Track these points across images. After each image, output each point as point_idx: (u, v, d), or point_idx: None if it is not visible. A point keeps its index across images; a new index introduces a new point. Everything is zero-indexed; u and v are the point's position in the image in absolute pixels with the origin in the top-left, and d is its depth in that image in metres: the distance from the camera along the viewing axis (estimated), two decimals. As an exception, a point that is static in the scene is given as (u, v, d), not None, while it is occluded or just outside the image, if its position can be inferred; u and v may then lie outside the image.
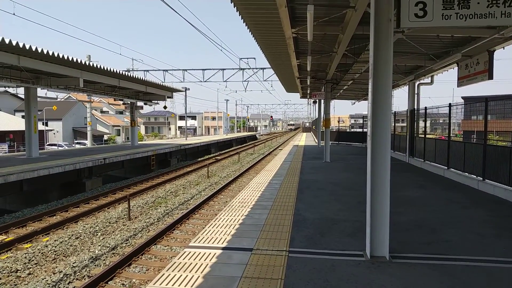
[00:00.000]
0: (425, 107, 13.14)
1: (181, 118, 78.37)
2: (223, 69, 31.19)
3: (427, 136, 13.50)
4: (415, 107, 14.50)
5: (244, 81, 33.42)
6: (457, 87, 10.99)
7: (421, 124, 14.28)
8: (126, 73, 17.88)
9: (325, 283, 3.74)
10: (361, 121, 36.19)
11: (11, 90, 43.48)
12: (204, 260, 4.37)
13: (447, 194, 8.45)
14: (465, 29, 8.14)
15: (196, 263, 4.29)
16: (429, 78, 14.39)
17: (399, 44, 10.01)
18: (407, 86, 15.37)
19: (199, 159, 25.35)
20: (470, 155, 9.46)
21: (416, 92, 14.71)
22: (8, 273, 6.28)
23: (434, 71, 13.20)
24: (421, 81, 14.74)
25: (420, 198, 8.03)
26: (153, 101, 26.50)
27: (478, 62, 9.64)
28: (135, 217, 9.95)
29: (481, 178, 8.80)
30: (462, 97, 38.10)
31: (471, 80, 10.17)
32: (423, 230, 5.58)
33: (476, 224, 5.92)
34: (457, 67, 11.21)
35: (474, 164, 9.19)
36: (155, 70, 30.69)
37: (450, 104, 10.85)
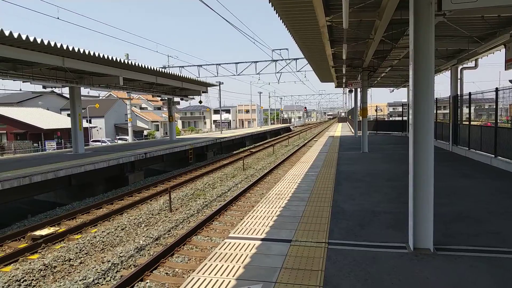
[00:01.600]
0: (469, 93, 12.47)
1: (216, 112, 79.46)
2: (256, 62, 31.24)
3: (472, 123, 12.82)
4: (458, 93, 13.80)
5: (277, 72, 33.27)
6: (505, 70, 10.30)
7: (465, 110, 13.59)
8: (163, 70, 18.38)
9: (367, 275, 3.70)
10: (400, 109, 35.00)
11: (57, 90, 46.04)
12: (244, 251, 4.45)
13: (495, 183, 8.02)
14: (513, 7, 7.61)
15: (237, 254, 4.38)
16: (473, 62, 13.61)
17: (439, 27, 9.53)
18: (449, 71, 14.64)
19: (235, 152, 25.64)
20: (521, 142, 8.89)
21: (459, 77, 13.98)
22: (62, 261, 6.73)
23: (479, 54, 12.46)
24: (464, 65, 13.98)
25: (466, 188, 7.68)
26: (188, 96, 27.10)
27: (529, 42, 8.99)
28: (176, 209, 10.28)
29: (533, 166, 8.26)
30: (510, 81, 35.74)
31: (521, 62, 9.51)
32: (469, 221, 5.35)
33: (528, 215, 5.59)
34: (504, 49, 10.51)
35: (525, 152, 8.64)
36: (190, 65, 31.32)
37: (496, 88, 10.23)
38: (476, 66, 13.73)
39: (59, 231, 8.46)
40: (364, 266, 3.92)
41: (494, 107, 10.55)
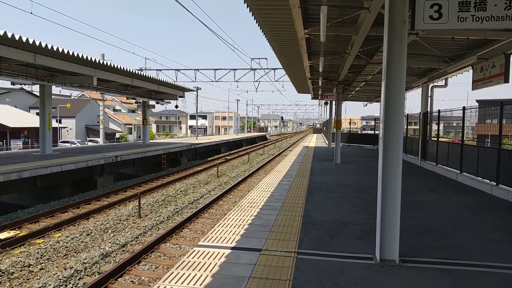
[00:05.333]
0: (439, 110, 12.96)
1: (192, 117, 78.77)
2: (235, 69, 31.36)
3: (440, 139, 13.31)
4: (428, 110, 14.32)
5: (256, 81, 33.53)
6: (472, 90, 10.80)
7: (434, 127, 14.11)
8: (139, 72, 18.06)
9: (334, 286, 3.72)
10: (372, 123, 35.92)
11: (26, 87, 44.40)
12: (213, 260, 4.39)
13: (460, 198, 8.32)
14: (481, 31, 8.01)
15: (205, 262, 4.31)
16: (443, 81, 14.19)
17: (412, 46, 9.89)
18: (420, 88, 15.19)
19: (209, 159, 25.44)
20: (484, 159, 9.30)
21: (429, 95, 14.53)
22: (21, 267, 6.40)
23: (448, 74, 13.01)
24: (435, 84, 14.55)
25: (432, 202, 7.92)
26: (165, 100, 26.71)
27: (494, 65, 9.46)
28: (145, 215, 10.04)
29: (495, 183, 8.64)
30: (477, 100, 37.55)
31: (486, 83, 9.99)
32: (434, 235, 5.51)
33: (488, 230, 5.82)
34: (472, 70, 11.03)
35: (488, 169, 9.03)
36: (168, 69, 31.06)
37: (464, 107, 10.70)
38: (446, 84, 14.31)
39: (19, 235, 8.07)
40: (331, 276, 3.94)
41: (461, 125, 11.01)
